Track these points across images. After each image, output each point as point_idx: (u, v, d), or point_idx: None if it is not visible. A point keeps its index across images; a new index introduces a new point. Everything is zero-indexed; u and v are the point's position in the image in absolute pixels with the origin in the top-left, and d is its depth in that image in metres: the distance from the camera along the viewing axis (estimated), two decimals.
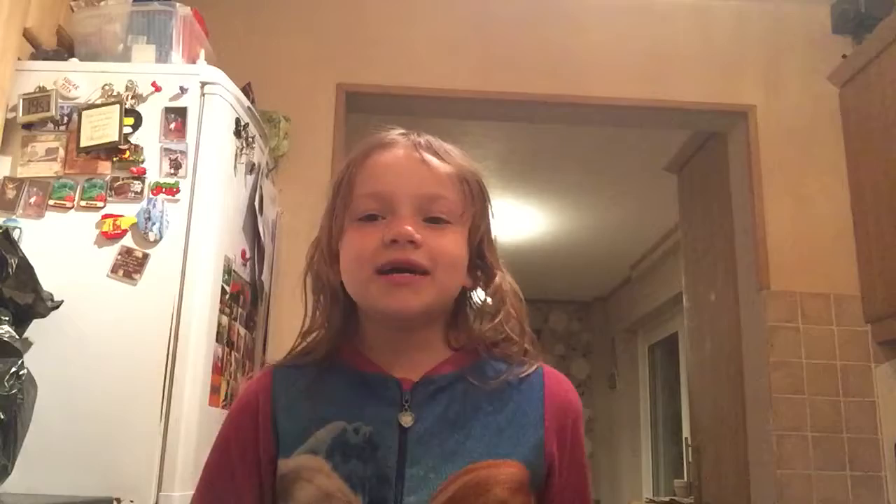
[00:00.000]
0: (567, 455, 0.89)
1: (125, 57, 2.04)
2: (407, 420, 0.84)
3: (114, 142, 1.86)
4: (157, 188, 1.86)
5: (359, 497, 0.81)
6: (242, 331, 2.14)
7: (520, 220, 5.13)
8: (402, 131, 0.93)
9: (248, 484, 0.87)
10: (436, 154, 0.90)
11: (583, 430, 0.93)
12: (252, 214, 2.19)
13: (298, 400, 0.88)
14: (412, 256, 0.84)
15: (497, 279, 0.93)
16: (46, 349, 1.70)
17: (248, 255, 2.17)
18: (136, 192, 1.85)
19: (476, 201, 0.92)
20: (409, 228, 0.83)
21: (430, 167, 0.88)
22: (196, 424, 1.75)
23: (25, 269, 1.65)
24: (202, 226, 1.86)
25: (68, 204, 1.84)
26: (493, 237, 0.95)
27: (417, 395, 0.86)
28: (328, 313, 0.91)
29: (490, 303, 0.92)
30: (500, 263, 0.95)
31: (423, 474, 0.82)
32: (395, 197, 0.86)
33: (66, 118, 1.91)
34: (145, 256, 1.80)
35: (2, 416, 1.44)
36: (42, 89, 1.91)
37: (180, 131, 1.90)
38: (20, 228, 1.79)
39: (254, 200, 2.20)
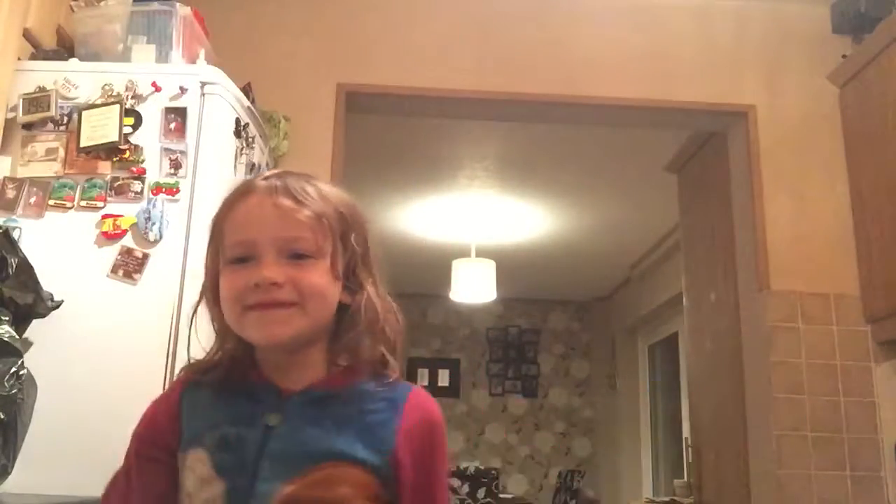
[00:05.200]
0: (421, 469, 0.96)
1: (125, 57, 2.04)
2: (273, 420, 0.96)
3: (114, 142, 1.86)
4: (157, 188, 1.86)
5: (220, 481, 0.93)
6: None
7: (519, 220, 5.13)
8: (265, 176, 1.02)
9: (155, 476, 1.01)
10: (292, 198, 0.97)
11: (443, 448, 1.00)
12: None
13: (198, 411, 1.01)
14: (276, 296, 0.95)
15: (361, 297, 1.00)
16: (46, 349, 1.70)
17: None
18: (136, 192, 1.85)
19: (337, 233, 0.99)
20: (268, 274, 0.94)
21: (286, 211, 0.97)
22: None
23: (25, 269, 1.65)
24: (202, 226, 1.84)
25: (68, 204, 1.84)
26: (369, 257, 1.04)
27: (292, 403, 0.97)
28: (221, 341, 1.04)
29: (355, 321, 1.00)
30: (375, 283, 1.03)
31: (277, 468, 0.93)
32: (257, 243, 0.96)
33: (66, 118, 1.91)
34: (145, 256, 1.80)
35: (2, 416, 1.44)
36: (42, 89, 1.91)
37: (180, 131, 1.90)
38: (20, 228, 1.79)
39: None
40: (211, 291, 1.04)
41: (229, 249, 0.99)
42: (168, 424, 1.01)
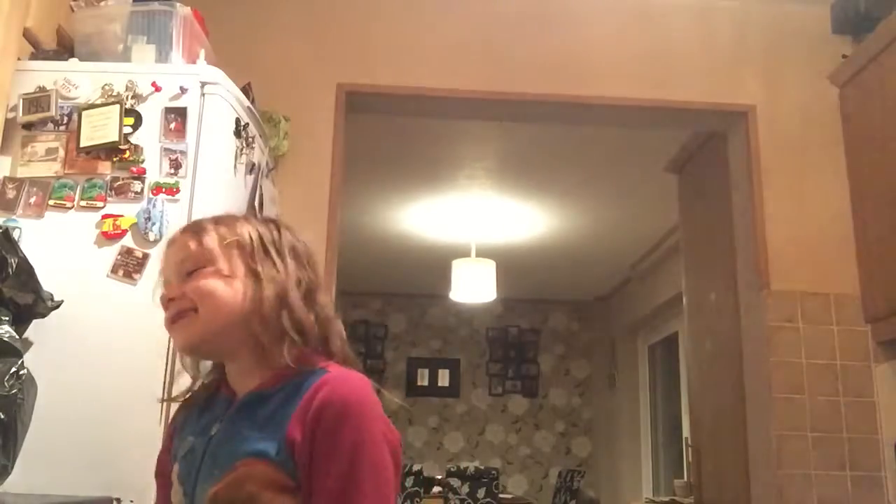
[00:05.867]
0: (318, 447, 0.99)
1: (125, 57, 2.04)
2: (213, 429, 1.09)
3: (114, 142, 1.86)
4: (157, 188, 1.86)
5: (180, 488, 1.09)
6: None
7: (519, 220, 5.13)
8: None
9: (164, 483, 1.18)
10: (184, 232, 1.17)
11: (339, 434, 0.99)
12: (252, 214, 2.19)
13: (183, 428, 1.17)
14: (173, 311, 1.12)
15: (263, 288, 1.09)
16: (46, 349, 1.70)
17: None
18: (136, 192, 1.85)
19: (216, 245, 1.13)
20: (162, 293, 1.16)
21: (176, 243, 1.16)
22: None
23: (25, 269, 1.65)
24: None
25: (68, 204, 1.84)
26: (264, 255, 1.13)
27: (233, 410, 1.09)
28: (191, 369, 1.20)
29: (263, 318, 1.09)
30: (273, 275, 1.11)
31: (210, 472, 1.04)
32: (165, 277, 1.19)
33: (66, 118, 1.90)
34: (145, 256, 1.80)
35: (2, 416, 1.44)
36: (42, 89, 1.91)
37: (180, 131, 1.90)
38: (20, 228, 1.79)
39: (254, 200, 2.20)
40: None
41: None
42: (168, 443, 1.20)
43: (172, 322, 1.12)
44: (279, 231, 1.17)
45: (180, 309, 1.11)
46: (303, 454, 0.99)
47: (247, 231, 1.15)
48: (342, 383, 1.03)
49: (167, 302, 1.13)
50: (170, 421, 1.25)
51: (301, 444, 0.99)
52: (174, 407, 1.70)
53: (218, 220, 1.17)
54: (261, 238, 1.14)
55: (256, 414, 1.05)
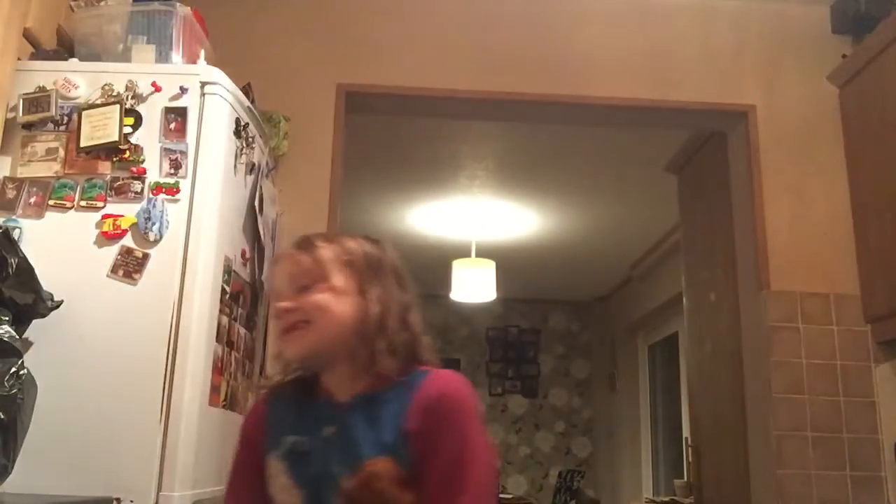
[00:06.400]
0: (432, 437, 1.11)
1: (125, 57, 2.04)
2: (328, 431, 1.17)
3: (114, 142, 1.86)
4: (157, 188, 1.86)
5: (298, 489, 1.14)
6: (242, 331, 2.14)
7: (519, 220, 5.13)
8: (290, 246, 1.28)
9: (252, 475, 1.23)
10: (299, 248, 1.24)
11: (455, 421, 1.13)
12: (252, 214, 2.19)
13: (280, 419, 1.23)
14: (288, 321, 1.19)
15: (369, 307, 1.19)
16: (46, 349, 1.70)
17: (248, 255, 2.17)
18: (136, 192, 1.85)
19: (331, 262, 1.21)
20: (279, 304, 1.20)
21: (292, 259, 1.23)
22: (196, 424, 1.75)
23: (25, 269, 1.65)
24: (202, 226, 1.86)
25: (68, 204, 1.84)
26: (372, 275, 1.23)
27: (341, 414, 1.18)
28: (287, 365, 1.26)
29: (369, 331, 1.19)
30: (378, 292, 1.21)
31: (336, 470, 1.12)
32: (278, 289, 1.25)
33: (66, 118, 1.90)
34: (145, 256, 1.80)
35: (2, 416, 1.44)
36: (42, 89, 1.91)
37: (180, 131, 1.90)
38: (20, 228, 1.79)
39: (254, 200, 2.20)
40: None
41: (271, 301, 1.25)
42: (257, 427, 1.25)
43: (285, 332, 1.19)
44: (384, 252, 1.27)
45: (295, 321, 1.18)
46: (420, 442, 1.10)
47: (358, 250, 1.24)
48: (451, 378, 1.17)
49: (283, 313, 1.19)
50: (253, 417, 1.29)
51: (418, 433, 1.11)
52: (174, 406, 1.72)
53: (330, 238, 1.26)
54: (369, 258, 1.24)
55: (369, 415, 1.15)
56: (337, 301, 1.19)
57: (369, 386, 1.18)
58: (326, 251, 1.23)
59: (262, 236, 2.25)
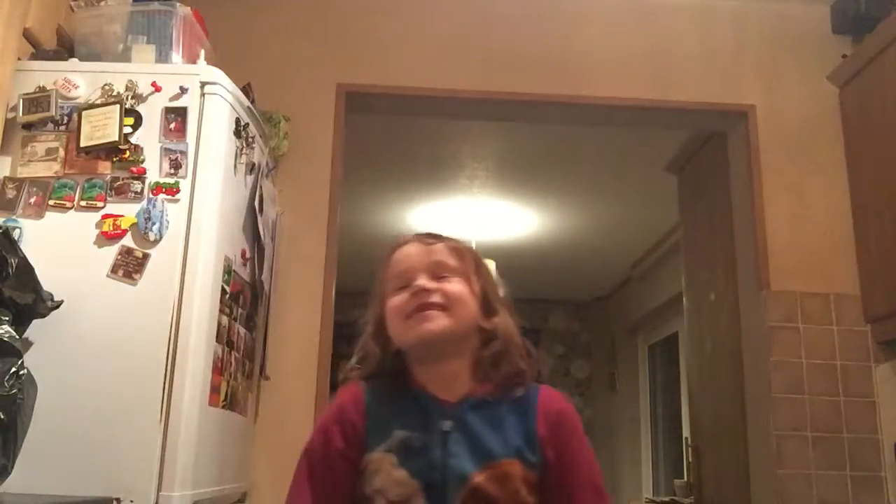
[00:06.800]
0: (557, 448, 1.17)
1: (125, 57, 2.04)
2: (447, 426, 1.15)
3: (114, 142, 1.86)
4: (157, 188, 1.86)
5: (416, 481, 1.12)
6: (242, 331, 2.14)
7: (519, 220, 5.13)
8: (411, 235, 1.29)
9: (343, 469, 1.16)
10: (434, 239, 1.26)
11: (573, 425, 1.21)
12: (252, 214, 2.19)
13: (380, 411, 1.19)
14: (428, 299, 1.18)
15: (497, 319, 1.23)
16: (46, 349, 1.70)
17: (248, 255, 2.17)
18: (136, 192, 1.85)
19: (469, 262, 1.25)
20: (422, 282, 1.19)
21: (431, 246, 1.25)
22: (196, 424, 1.75)
23: (25, 269, 1.65)
24: (202, 226, 1.86)
25: (68, 204, 1.84)
26: (495, 289, 1.27)
27: (456, 410, 1.17)
28: (381, 361, 1.23)
29: (495, 339, 1.21)
30: (504, 308, 1.25)
31: (461, 464, 1.12)
32: (412, 269, 1.22)
33: (66, 118, 1.91)
34: (145, 256, 1.80)
35: (2, 416, 1.44)
36: (42, 89, 1.91)
37: (180, 131, 1.90)
38: (20, 228, 1.79)
39: (254, 200, 2.20)
40: (374, 327, 1.24)
41: (391, 282, 1.22)
42: (357, 421, 1.18)
43: (419, 311, 1.18)
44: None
45: (432, 302, 1.18)
46: (549, 451, 1.16)
47: (489, 269, 1.29)
48: (562, 397, 1.23)
49: (422, 291, 1.18)
50: (353, 409, 1.19)
51: (548, 445, 1.16)
52: (174, 406, 1.72)
53: (470, 249, 1.29)
54: (493, 280, 1.28)
55: (490, 417, 1.17)
56: (472, 299, 1.21)
57: (485, 389, 1.19)
58: (470, 259, 1.27)
59: (262, 236, 2.25)
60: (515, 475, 1.12)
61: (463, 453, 1.13)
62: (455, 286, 1.20)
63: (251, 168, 2.20)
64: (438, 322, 1.17)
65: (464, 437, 1.15)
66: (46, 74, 1.94)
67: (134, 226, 1.82)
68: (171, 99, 1.93)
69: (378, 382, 1.21)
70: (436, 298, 1.18)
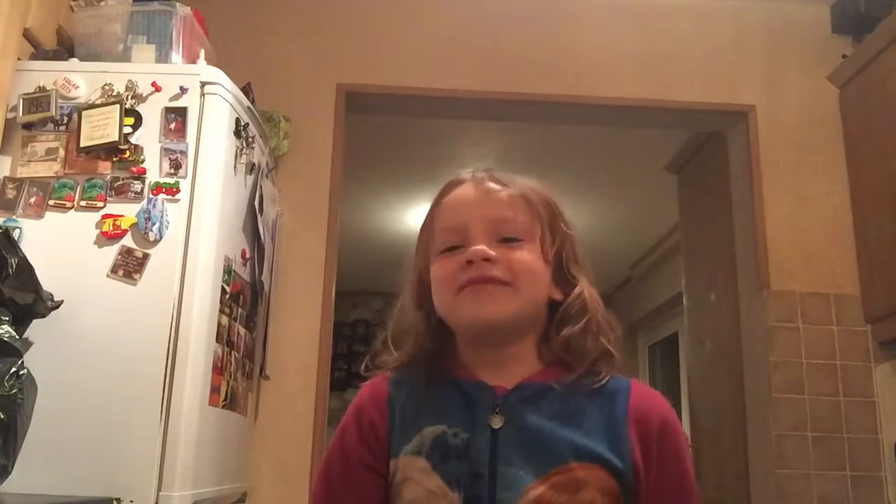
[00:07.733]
0: (654, 463, 0.90)
1: (125, 57, 2.04)
2: (496, 422, 0.90)
3: (114, 142, 1.86)
4: (157, 188, 1.86)
5: (455, 494, 0.87)
6: (242, 331, 2.14)
7: None
8: (468, 170, 1.01)
9: (367, 481, 0.93)
10: (498, 181, 0.97)
11: (677, 441, 0.93)
12: (252, 214, 2.19)
13: (408, 406, 0.94)
14: (489, 272, 0.91)
15: (577, 289, 0.97)
16: (46, 349, 1.70)
17: (248, 255, 2.17)
18: (136, 192, 1.85)
19: (544, 218, 0.98)
20: (481, 247, 0.91)
21: (494, 194, 0.96)
22: (196, 424, 1.75)
23: (25, 269, 1.65)
24: (202, 226, 1.86)
25: (68, 204, 1.84)
26: (574, 250, 1.01)
27: (509, 401, 0.91)
28: (422, 337, 0.98)
29: (573, 314, 0.96)
30: (585, 275, 1.00)
31: (515, 472, 0.87)
32: (468, 225, 0.94)
33: (66, 118, 1.91)
34: (145, 256, 1.80)
35: (2, 416, 1.44)
36: (42, 89, 1.91)
37: (180, 131, 1.90)
38: (20, 228, 1.79)
39: (254, 200, 2.20)
40: (415, 288, 1.00)
41: (440, 237, 0.97)
42: (378, 421, 0.94)
43: (475, 284, 0.91)
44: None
45: (493, 276, 0.91)
46: (641, 475, 0.89)
47: (567, 222, 1.02)
48: (663, 399, 0.96)
49: (481, 261, 0.91)
50: (373, 408, 0.96)
51: (643, 466, 0.90)
52: (174, 406, 1.72)
53: (546, 197, 1.01)
54: (572, 238, 1.02)
55: (552, 409, 0.91)
56: (544, 270, 0.95)
57: (544, 373, 0.94)
58: (546, 209, 0.99)
59: (262, 236, 2.25)
60: (591, 483, 0.86)
61: (518, 457, 0.88)
62: (524, 255, 0.93)
63: (251, 168, 2.20)
64: (500, 303, 0.91)
65: (523, 436, 0.89)
66: (46, 74, 1.94)
67: (134, 226, 1.82)
68: (171, 99, 1.93)
69: (407, 370, 0.97)
70: (497, 273, 0.91)
